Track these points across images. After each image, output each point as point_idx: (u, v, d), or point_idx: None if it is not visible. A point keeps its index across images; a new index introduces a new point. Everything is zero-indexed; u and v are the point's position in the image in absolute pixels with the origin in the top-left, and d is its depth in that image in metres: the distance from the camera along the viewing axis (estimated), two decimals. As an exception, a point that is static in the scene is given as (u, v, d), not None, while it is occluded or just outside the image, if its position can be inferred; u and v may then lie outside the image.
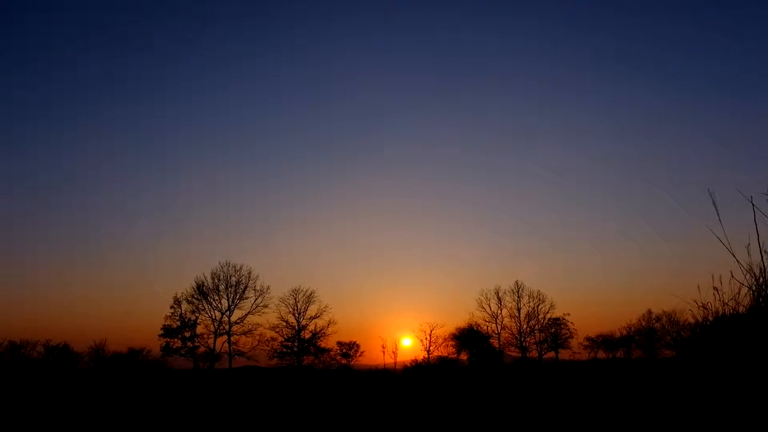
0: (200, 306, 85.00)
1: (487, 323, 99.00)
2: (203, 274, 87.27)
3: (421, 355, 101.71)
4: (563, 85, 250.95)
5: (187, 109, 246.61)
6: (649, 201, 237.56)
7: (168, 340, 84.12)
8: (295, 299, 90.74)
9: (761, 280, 8.52)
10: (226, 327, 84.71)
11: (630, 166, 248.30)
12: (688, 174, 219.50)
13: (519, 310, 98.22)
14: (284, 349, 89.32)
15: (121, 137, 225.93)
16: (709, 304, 9.42)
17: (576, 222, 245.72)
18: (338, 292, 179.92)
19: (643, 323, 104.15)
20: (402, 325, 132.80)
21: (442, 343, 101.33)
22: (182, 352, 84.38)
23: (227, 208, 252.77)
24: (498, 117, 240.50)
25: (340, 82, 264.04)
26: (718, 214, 9.29)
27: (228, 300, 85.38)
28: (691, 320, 10.44)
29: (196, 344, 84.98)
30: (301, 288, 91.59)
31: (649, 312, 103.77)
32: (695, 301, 9.62)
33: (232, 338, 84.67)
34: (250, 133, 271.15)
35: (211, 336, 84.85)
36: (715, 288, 9.39)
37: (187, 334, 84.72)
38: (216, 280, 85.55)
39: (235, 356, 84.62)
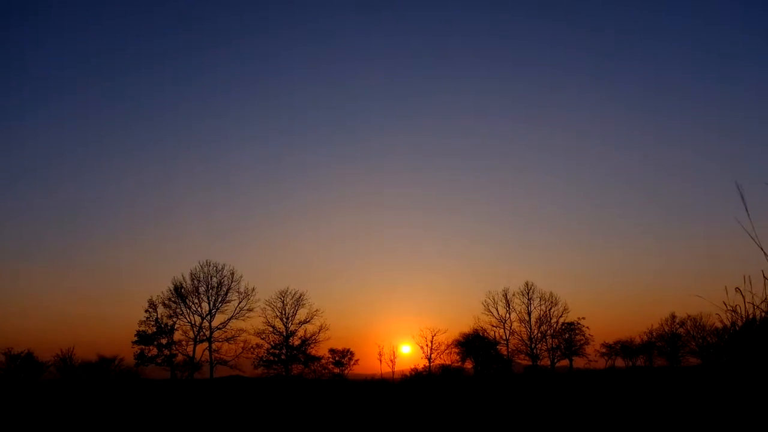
0: (178, 310, 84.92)
1: (494, 328, 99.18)
2: (181, 275, 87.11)
3: (421, 363, 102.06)
4: (577, 71, 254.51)
5: (161, 98, 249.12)
6: (672, 193, 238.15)
7: (142, 347, 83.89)
8: (283, 302, 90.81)
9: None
10: (207, 333, 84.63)
11: (650, 157, 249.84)
12: (714, 165, 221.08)
13: (529, 313, 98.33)
14: (271, 357, 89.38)
15: (83, 126, 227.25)
16: (738, 306, 9.31)
17: (591, 218, 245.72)
18: (331, 295, 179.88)
19: (666, 328, 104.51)
20: (401, 331, 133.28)
21: (445, 350, 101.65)
22: (158, 360, 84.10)
23: (208, 204, 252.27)
24: (507, 105, 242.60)
25: (333, 72, 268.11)
26: (746, 208, 9.18)
27: (209, 303, 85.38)
28: (719, 325, 10.32)
29: (174, 352, 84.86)
30: (290, 290, 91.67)
31: (673, 316, 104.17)
32: (723, 303, 9.50)
33: (213, 345, 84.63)
34: (234, 122, 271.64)
35: (190, 343, 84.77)
36: (738, 289, 9.29)
37: (164, 341, 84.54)
38: (195, 282, 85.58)
39: (217, 365, 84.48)
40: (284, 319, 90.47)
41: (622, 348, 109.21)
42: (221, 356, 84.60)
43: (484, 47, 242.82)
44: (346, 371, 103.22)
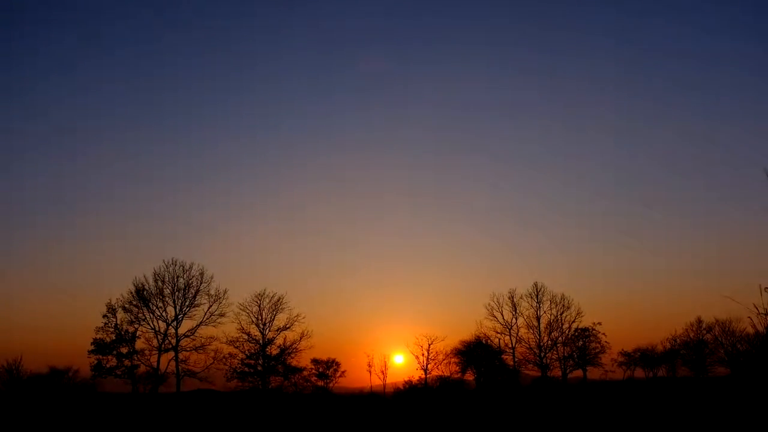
0: (140, 315, 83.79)
1: (498, 335, 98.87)
2: (143, 276, 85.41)
3: (416, 375, 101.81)
4: (600, 69, 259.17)
5: (123, 80, 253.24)
6: (699, 185, 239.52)
7: (100, 357, 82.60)
8: (260, 306, 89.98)
9: None
10: (173, 341, 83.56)
11: (676, 149, 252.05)
12: (744, 159, 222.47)
13: (538, 318, 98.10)
14: (246, 369, 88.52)
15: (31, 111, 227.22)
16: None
17: (607, 213, 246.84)
18: (313, 299, 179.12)
19: (691, 334, 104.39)
20: (393, 339, 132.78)
21: (444, 360, 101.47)
22: (118, 372, 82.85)
23: (173, 196, 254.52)
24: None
25: (329, 54, 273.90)
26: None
27: (175, 307, 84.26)
28: (750, 330, 9.43)
29: (136, 362, 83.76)
30: (267, 293, 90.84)
31: (699, 320, 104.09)
32: (755, 306, 8.67)
33: (180, 355, 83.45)
34: (199, 103, 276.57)
35: (153, 352, 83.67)
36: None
37: (124, 350, 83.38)
38: (160, 283, 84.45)
39: (185, 377, 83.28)
40: (261, 326, 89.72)
41: (642, 357, 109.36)
42: (189, 367, 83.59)
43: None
44: (331, 384, 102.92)
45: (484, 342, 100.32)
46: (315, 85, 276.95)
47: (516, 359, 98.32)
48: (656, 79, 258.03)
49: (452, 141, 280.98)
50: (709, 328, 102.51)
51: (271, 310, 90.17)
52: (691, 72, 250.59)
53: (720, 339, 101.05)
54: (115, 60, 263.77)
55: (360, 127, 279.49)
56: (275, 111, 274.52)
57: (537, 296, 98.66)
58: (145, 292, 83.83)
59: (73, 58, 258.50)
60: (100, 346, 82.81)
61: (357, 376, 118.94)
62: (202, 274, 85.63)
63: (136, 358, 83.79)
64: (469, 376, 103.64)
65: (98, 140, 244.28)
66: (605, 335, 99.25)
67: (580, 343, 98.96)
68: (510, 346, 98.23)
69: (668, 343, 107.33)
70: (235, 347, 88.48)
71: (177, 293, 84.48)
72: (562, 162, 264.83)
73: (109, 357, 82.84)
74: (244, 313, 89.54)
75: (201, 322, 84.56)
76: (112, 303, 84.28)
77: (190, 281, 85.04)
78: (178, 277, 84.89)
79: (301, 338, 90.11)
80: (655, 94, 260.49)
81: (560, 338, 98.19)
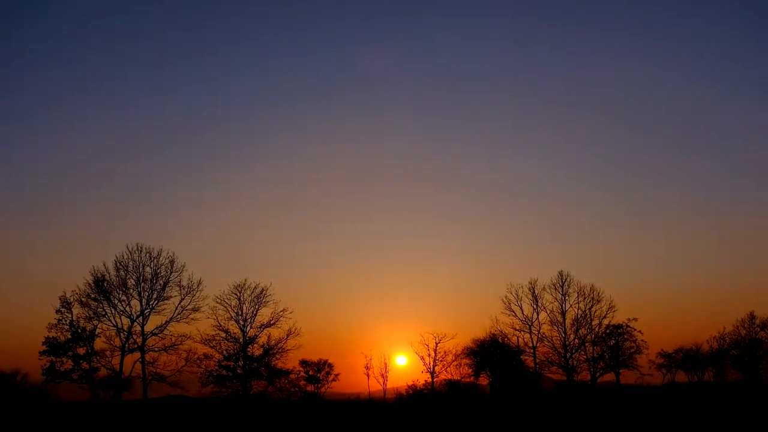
0: (100, 310, 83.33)
1: (517, 333, 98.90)
2: (103, 264, 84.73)
3: (422, 378, 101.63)
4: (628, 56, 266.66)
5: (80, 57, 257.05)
6: (747, 163, 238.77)
7: (53, 359, 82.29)
8: (240, 299, 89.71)
9: None
10: (139, 340, 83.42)
11: (726, 124, 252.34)
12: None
13: (564, 313, 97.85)
14: (224, 372, 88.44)
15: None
16: None
17: (645, 192, 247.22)
18: (302, 292, 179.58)
19: (743, 332, 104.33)
20: (395, 337, 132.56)
21: (453, 361, 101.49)
22: (74, 376, 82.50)
23: (137, 174, 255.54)
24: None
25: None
26: None
27: (141, 301, 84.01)
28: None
29: (95, 365, 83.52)
30: (248, 283, 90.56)
31: (752, 316, 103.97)
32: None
33: (147, 356, 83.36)
34: (172, 67, 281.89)
35: (116, 353, 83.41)
36: None
37: (81, 351, 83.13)
38: (122, 272, 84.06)
39: (153, 382, 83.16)
40: (241, 322, 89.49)
41: (685, 358, 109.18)
42: (158, 370, 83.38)
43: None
44: (322, 389, 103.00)
45: (500, 340, 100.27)
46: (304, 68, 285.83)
47: (537, 360, 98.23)
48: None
49: (459, 118, 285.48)
50: (764, 325, 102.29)
51: (253, 303, 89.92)
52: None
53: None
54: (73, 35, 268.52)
55: (357, 107, 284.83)
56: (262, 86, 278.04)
57: (562, 287, 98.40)
58: (105, 284, 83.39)
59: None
60: (53, 347, 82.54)
61: (353, 379, 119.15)
62: (172, 262, 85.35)
63: (95, 359, 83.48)
64: (483, 380, 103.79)
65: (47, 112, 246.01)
66: (642, 333, 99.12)
67: (613, 342, 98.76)
68: (530, 345, 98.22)
69: (715, 343, 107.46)
70: (211, 347, 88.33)
71: (143, 284, 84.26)
72: (589, 133, 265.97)
73: (64, 359, 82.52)
74: (221, 307, 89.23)
75: (171, 318, 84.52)
76: (67, 296, 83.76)
77: (158, 270, 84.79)
78: (144, 265, 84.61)
79: (287, 336, 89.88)
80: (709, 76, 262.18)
81: (589, 336, 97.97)
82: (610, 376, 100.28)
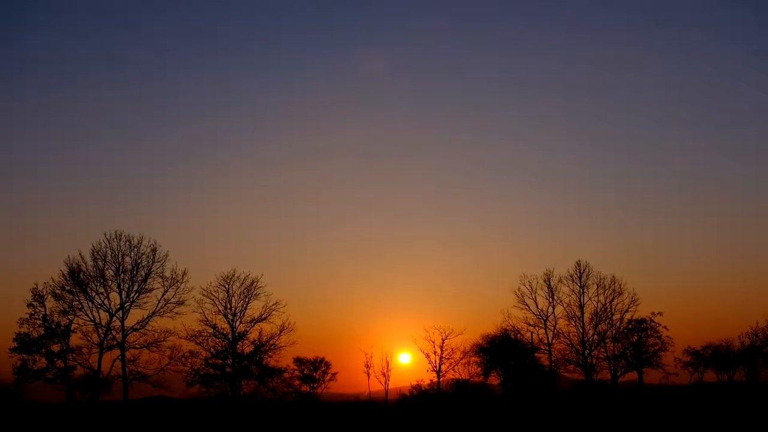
0: (75, 303, 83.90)
1: (531, 328, 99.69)
2: (79, 253, 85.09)
3: (427, 378, 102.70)
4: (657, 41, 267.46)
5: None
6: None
7: (25, 357, 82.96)
8: (228, 291, 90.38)
9: None
10: (118, 336, 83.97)
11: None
12: None
13: (582, 306, 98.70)
14: (211, 371, 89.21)
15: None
16: None
17: (669, 176, 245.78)
18: (297, 284, 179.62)
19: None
20: (398, 334, 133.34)
21: (461, 359, 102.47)
22: (48, 375, 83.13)
23: (116, 159, 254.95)
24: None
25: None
26: None
27: (120, 293, 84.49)
28: None
29: (71, 363, 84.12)
30: (238, 274, 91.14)
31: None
32: None
33: (127, 354, 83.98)
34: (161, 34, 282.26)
35: (94, 350, 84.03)
36: None
37: (56, 348, 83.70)
38: (100, 262, 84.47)
39: (134, 381, 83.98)
40: (230, 316, 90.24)
41: (714, 355, 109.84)
42: (139, 369, 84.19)
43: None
44: (319, 389, 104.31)
45: (512, 337, 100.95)
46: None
47: (553, 358, 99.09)
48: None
49: (468, 105, 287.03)
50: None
51: (242, 296, 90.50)
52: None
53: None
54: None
55: (358, 95, 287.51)
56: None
57: (580, 279, 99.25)
58: (81, 274, 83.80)
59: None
60: (24, 343, 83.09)
61: (352, 379, 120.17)
62: (154, 251, 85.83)
63: (70, 357, 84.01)
64: (494, 380, 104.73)
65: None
66: (667, 329, 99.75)
67: (635, 338, 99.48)
68: (545, 341, 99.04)
69: (747, 339, 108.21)
70: (197, 344, 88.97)
71: (122, 275, 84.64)
72: (610, 112, 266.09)
73: (37, 356, 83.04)
74: (208, 300, 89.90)
75: (153, 312, 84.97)
76: (39, 288, 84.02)
77: (139, 260, 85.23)
78: (123, 254, 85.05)
79: (281, 332, 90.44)
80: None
81: (609, 332, 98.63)
82: (632, 376, 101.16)
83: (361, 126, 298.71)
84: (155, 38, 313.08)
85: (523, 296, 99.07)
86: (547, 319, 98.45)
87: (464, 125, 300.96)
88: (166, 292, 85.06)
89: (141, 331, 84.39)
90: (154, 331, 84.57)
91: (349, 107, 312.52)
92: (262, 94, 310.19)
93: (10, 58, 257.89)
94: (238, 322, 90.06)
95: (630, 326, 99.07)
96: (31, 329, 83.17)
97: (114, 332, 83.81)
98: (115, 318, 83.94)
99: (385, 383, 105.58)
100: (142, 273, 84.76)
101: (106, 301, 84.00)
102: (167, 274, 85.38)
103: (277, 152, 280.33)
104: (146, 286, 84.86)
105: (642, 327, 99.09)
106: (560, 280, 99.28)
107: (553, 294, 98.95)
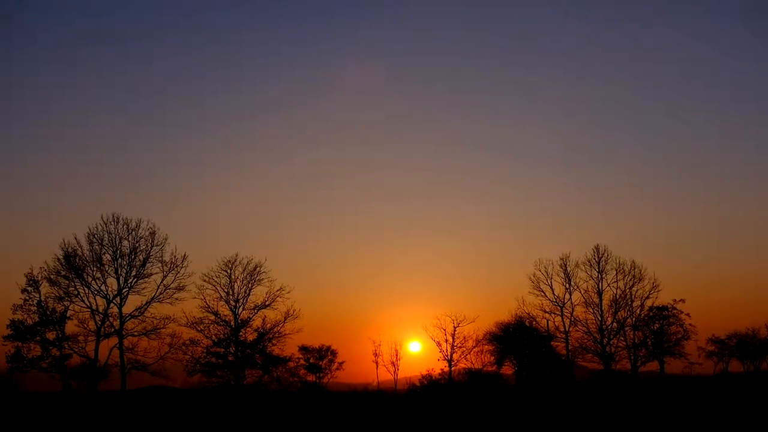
0: (71, 289, 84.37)
1: (547, 315, 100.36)
2: (74, 237, 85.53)
3: (438, 367, 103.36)
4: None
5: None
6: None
7: (19, 344, 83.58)
8: (230, 277, 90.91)
9: None
10: (116, 323, 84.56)
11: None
12: None
13: (600, 292, 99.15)
14: (213, 359, 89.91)
15: None
16: None
17: (692, 155, 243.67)
18: (302, 269, 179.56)
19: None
20: (408, 321, 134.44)
21: (474, 347, 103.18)
22: (43, 364, 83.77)
23: (113, 138, 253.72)
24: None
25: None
26: None
27: (118, 279, 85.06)
28: None
29: (67, 352, 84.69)
30: (240, 259, 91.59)
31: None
32: None
33: (125, 341, 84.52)
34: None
35: (90, 338, 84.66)
36: None
37: (51, 336, 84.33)
38: (97, 246, 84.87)
39: (132, 370, 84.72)
40: (232, 302, 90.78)
41: (740, 345, 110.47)
42: (138, 358, 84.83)
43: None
44: (325, 379, 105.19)
45: (527, 324, 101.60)
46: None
47: (570, 347, 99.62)
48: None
49: (484, 91, 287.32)
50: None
51: (245, 281, 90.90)
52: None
53: None
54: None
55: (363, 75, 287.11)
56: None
57: (598, 264, 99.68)
58: (77, 259, 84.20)
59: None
60: (18, 331, 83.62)
61: (359, 368, 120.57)
62: (153, 234, 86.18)
63: (66, 345, 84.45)
64: (508, 369, 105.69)
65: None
66: (690, 316, 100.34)
67: (657, 326, 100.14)
68: (562, 329, 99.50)
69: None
70: (198, 331, 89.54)
71: (120, 260, 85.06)
72: (628, 90, 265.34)
73: (32, 344, 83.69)
74: (209, 285, 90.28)
75: (152, 299, 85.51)
76: (34, 273, 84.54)
77: (138, 244, 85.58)
78: (121, 238, 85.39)
79: (285, 319, 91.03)
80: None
81: (629, 319, 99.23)
82: (653, 365, 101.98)
83: (371, 108, 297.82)
84: (155, 13, 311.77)
85: (538, 282, 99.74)
86: (563, 306, 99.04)
87: (479, 107, 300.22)
88: (165, 277, 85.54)
89: (139, 318, 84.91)
90: (153, 317, 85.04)
91: (356, 89, 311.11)
92: (267, 76, 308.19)
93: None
94: (240, 309, 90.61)
95: (651, 314, 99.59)
96: (26, 316, 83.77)
97: (111, 319, 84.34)
98: (112, 304, 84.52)
99: (395, 373, 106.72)
100: (141, 257, 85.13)
101: (103, 287, 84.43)
102: (167, 258, 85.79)
103: (282, 133, 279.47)
104: (145, 271, 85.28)
105: (663, 314, 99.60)
106: (577, 265, 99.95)
107: (570, 280, 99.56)
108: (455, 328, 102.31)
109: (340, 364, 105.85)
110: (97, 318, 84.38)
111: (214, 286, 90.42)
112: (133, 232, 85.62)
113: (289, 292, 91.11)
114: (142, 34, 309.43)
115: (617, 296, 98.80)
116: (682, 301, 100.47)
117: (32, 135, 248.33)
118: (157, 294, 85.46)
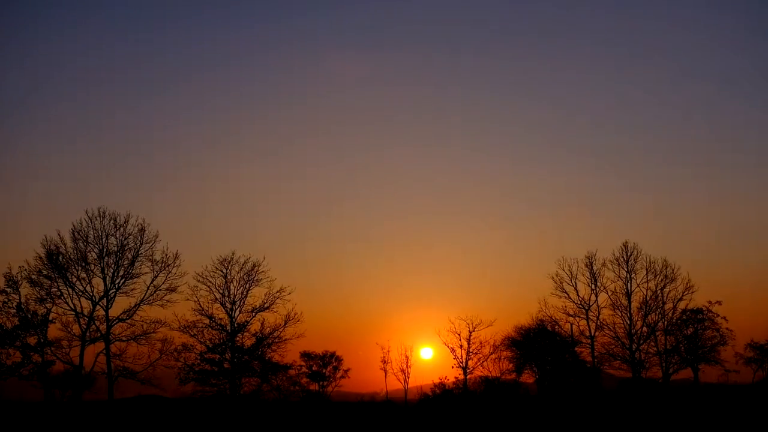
0: (54, 290, 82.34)
1: (571, 318, 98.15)
2: (58, 234, 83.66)
3: (452, 375, 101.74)
4: None
5: None
6: None
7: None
8: (226, 277, 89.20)
9: None
10: (102, 327, 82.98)
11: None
12: None
13: (629, 294, 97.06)
14: (207, 366, 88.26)
15: None
16: None
17: (732, 143, 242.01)
18: (305, 270, 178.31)
19: None
20: (420, 326, 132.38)
21: (491, 353, 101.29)
22: (24, 371, 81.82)
23: (100, 127, 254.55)
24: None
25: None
26: None
27: (104, 279, 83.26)
28: None
29: (49, 358, 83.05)
30: (237, 257, 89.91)
31: None
32: None
33: (113, 347, 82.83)
34: None
35: (75, 343, 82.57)
36: None
37: (32, 341, 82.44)
38: (81, 244, 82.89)
39: (120, 378, 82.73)
40: (228, 305, 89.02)
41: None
42: (126, 364, 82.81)
43: None
44: (329, 388, 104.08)
45: (549, 328, 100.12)
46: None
47: (596, 353, 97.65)
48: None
49: (502, 84, 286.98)
50: None
51: (242, 282, 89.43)
52: None
53: None
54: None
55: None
56: None
57: (627, 262, 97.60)
58: (60, 257, 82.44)
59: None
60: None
61: (366, 376, 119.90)
62: (142, 231, 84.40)
63: (49, 351, 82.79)
64: (528, 378, 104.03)
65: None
66: (727, 320, 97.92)
67: (690, 330, 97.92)
68: (587, 334, 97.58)
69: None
70: (191, 336, 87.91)
71: (107, 258, 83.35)
72: (663, 75, 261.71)
73: (11, 350, 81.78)
74: (203, 286, 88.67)
75: (142, 300, 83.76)
76: (13, 273, 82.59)
77: (126, 241, 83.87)
78: (108, 235, 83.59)
79: (286, 323, 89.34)
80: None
81: (661, 323, 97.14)
82: (686, 373, 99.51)
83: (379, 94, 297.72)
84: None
85: (561, 282, 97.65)
86: (589, 309, 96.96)
87: (500, 96, 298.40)
88: (155, 277, 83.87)
89: (128, 321, 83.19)
90: (142, 321, 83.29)
91: (363, 75, 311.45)
92: (267, 66, 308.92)
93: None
94: (237, 312, 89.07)
95: (684, 317, 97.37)
96: (4, 319, 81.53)
97: (97, 323, 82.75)
98: (98, 307, 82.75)
99: (405, 381, 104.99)
100: (129, 256, 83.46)
101: (88, 288, 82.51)
102: (157, 257, 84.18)
103: (281, 121, 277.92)
104: (133, 271, 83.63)
105: (698, 318, 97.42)
106: (604, 264, 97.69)
107: (596, 280, 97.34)
108: (471, 332, 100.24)
109: (346, 371, 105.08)
110: (82, 321, 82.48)
111: (208, 287, 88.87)
112: (121, 229, 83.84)
113: (290, 294, 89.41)
114: (132, 15, 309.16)
115: (647, 298, 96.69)
116: (719, 303, 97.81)
117: (11, 124, 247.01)
118: (147, 295, 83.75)
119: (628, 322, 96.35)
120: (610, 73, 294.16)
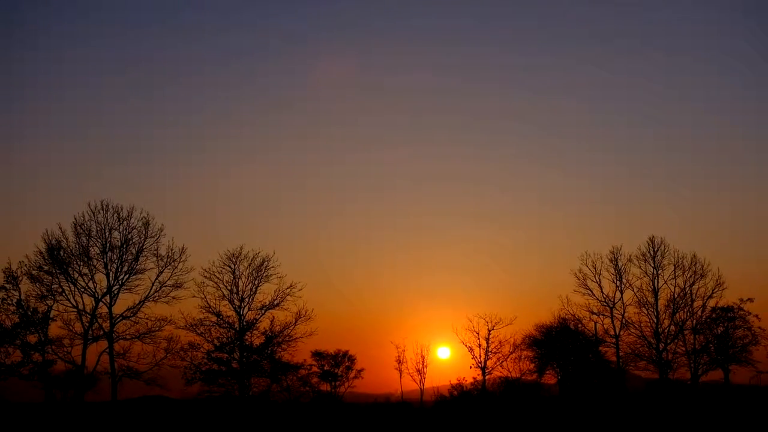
0: (55, 286, 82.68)
1: (594, 317, 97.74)
2: (59, 227, 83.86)
3: (470, 375, 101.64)
4: None
5: None
6: None
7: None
8: (234, 273, 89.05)
9: None
10: (106, 325, 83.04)
11: None
12: None
13: (655, 291, 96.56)
14: (215, 366, 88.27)
15: None
16: None
17: (756, 131, 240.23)
18: (316, 265, 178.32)
19: None
20: (436, 324, 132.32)
21: (511, 353, 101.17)
22: (24, 371, 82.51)
23: (101, 115, 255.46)
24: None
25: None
26: None
27: (108, 275, 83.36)
28: None
29: (50, 357, 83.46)
30: (246, 252, 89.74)
31: None
32: None
33: (116, 346, 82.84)
34: None
35: (77, 342, 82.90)
36: None
37: (33, 339, 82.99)
38: (84, 238, 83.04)
39: (124, 378, 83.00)
40: (237, 302, 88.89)
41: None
42: (130, 364, 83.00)
43: None
44: (342, 388, 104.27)
45: (572, 327, 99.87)
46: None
47: (621, 353, 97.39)
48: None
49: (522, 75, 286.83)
50: None
51: (251, 278, 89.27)
52: None
53: None
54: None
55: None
56: None
57: (654, 258, 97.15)
58: (61, 252, 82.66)
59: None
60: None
61: (381, 376, 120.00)
62: (147, 224, 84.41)
63: (50, 350, 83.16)
64: (550, 378, 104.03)
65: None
66: (759, 318, 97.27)
67: (720, 329, 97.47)
68: (612, 332, 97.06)
69: None
70: (198, 334, 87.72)
71: (110, 253, 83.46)
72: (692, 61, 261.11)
73: (10, 348, 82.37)
74: (210, 283, 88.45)
75: (147, 297, 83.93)
76: (13, 268, 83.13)
77: (130, 235, 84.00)
78: (111, 229, 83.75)
79: (297, 320, 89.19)
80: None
81: (689, 322, 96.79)
82: (716, 374, 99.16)
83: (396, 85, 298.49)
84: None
85: (585, 279, 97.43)
86: (613, 307, 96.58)
87: (518, 86, 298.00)
88: (161, 273, 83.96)
89: (132, 319, 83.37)
90: (147, 319, 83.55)
91: (377, 69, 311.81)
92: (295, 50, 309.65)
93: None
94: (246, 309, 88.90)
95: (714, 315, 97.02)
96: (4, 316, 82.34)
97: (100, 320, 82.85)
98: (101, 303, 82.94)
99: (421, 382, 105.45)
100: (133, 250, 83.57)
101: (90, 284, 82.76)
102: (162, 251, 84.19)
103: (296, 114, 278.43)
104: (138, 266, 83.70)
105: (729, 316, 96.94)
106: (630, 260, 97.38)
107: (621, 276, 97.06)
108: (489, 331, 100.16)
109: (359, 371, 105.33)
110: (85, 319, 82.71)
111: (215, 283, 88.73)
112: (125, 222, 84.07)
113: (300, 290, 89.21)
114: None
115: (675, 295, 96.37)
116: (750, 300, 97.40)
117: (12, 118, 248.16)
118: (152, 292, 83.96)
119: (655, 321, 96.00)
120: (634, 68, 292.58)
